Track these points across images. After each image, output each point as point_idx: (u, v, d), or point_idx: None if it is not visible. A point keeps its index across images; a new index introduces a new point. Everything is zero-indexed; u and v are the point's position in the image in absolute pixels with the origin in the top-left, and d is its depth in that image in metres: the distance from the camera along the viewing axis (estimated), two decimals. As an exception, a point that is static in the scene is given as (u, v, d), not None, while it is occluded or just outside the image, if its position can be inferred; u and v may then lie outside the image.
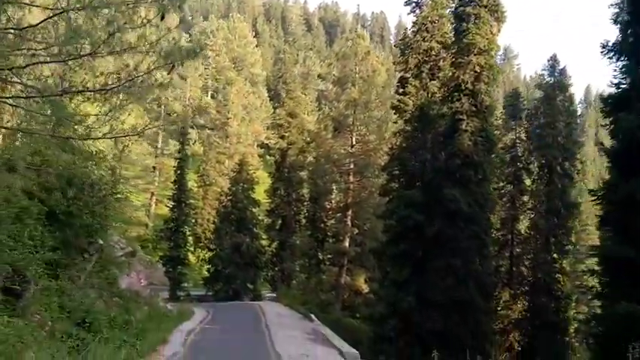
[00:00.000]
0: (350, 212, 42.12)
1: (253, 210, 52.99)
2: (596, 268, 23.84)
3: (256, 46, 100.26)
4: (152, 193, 72.72)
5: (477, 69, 29.03)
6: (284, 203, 52.50)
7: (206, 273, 54.34)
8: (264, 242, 54.29)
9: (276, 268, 52.10)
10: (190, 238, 68.75)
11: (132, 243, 32.66)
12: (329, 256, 50.38)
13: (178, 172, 49.84)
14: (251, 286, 51.73)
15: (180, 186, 49.43)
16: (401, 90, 33.28)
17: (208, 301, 48.51)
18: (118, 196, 23.82)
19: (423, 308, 26.75)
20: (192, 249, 67.58)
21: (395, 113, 33.69)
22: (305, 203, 53.92)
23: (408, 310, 26.81)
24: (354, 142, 42.18)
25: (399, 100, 32.55)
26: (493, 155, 31.24)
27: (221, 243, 51.69)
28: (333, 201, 50.00)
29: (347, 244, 41.68)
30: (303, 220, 53.98)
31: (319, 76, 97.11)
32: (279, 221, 53.25)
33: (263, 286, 56.67)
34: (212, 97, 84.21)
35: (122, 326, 20.20)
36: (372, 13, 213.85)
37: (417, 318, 26.77)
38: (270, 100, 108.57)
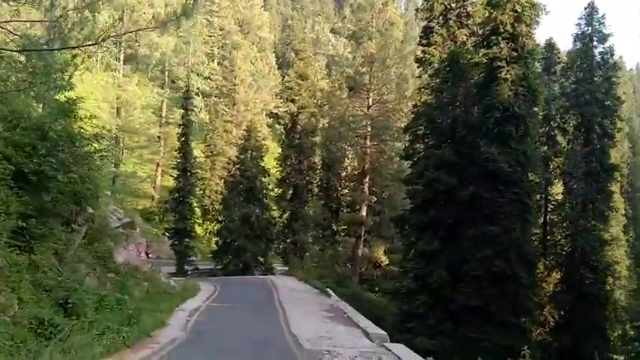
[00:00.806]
0: (367, 179, 38.99)
1: (263, 179, 49.97)
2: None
3: (262, 7, 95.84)
4: (157, 164, 69.72)
5: (518, 8, 25.45)
6: (295, 171, 49.42)
7: (214, 246, 51.67)
8: (274, 213, 51.42)
9: (288, 240, 49.22)
10: (198, 210, 66.39)
11: (131, 213, 29.79)
12: (344, 226, 47.51)
13: (182, 138, 46.73)
14: (261, 259, 49.05)
15: (184, 154, 46.38)
16: (425, 41, 29.91)
17: (217, 276, 45.97)
18: (103, 154, 20.55)
19: (456, 281, 23.74)
20: (199, 221, 65.11)
21: (418, 67, 30.36)
22: (317, 171, 50.82)
23: (439, 284, 23.82)
24: (370, 103, 38.81)
25: (423, 52, 29.14)
26: (536, 108, 27.69)
27: (230, 214, 48.87)
28: (348, 167, 46.87)
29: (364, 213, 38.65)
30: (316, 190, 50.99)
31: (332, 30, 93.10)
32: (291, 191, 50.24)
33: (274, 259, 53.99)
34: (218, 63, 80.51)
35: (114, 307, 17.38)
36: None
37: (448, 292, 23.83)
38: (278, 68, 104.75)
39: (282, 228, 50.21)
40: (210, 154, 71.34)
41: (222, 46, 79.25)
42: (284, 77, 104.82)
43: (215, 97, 74.70)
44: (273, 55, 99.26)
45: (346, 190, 46.59)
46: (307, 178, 50.46)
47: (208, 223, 66.34)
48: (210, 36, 79.77)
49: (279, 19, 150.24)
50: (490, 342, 22.32)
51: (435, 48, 28.17)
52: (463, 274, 23.91)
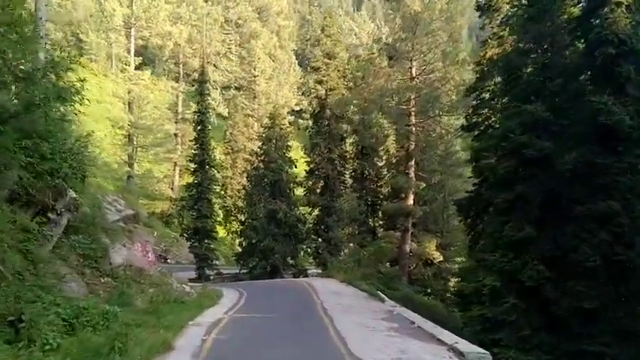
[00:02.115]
0: (413, 162, 33.36)
1: (289, 171, 44.65)
2: None
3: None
4: (175, 164, 64.92)
5: None
6: (325, 162, 43.91)
7: (238, 248, 46.46)
8: (303, 209, 45.97)
9: (320, 239, 43.68)
10: (220, 211, 61.49)
11: (134, 204, 24.47)
12: (384, 220, 42.05)
13: (199, 127, 41.57)
14: (291, 260, 43.69)
15: (202, 145, 41.22)
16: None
17: (242, 280, 40.82)
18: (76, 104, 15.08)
19: (559, 277, 18.03)
20: (221, 222, 60.09)
21: (480, 16, 24.69)
22: (350, 160, 45.36)
23: (535, 282, 18.12)
24: (414, 73, 33.17)
25: (487, -4, 23.48)
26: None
27: (254, 212, 43.63)
28: (389, 151, 41.28)
29: (411, 201, 33.01)
30: (350, 181, 45.49)
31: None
32: (321, 183, 44.78)
33: (304, 260, 48.66)
34: (236, 54, 75.51)
35: (99, 324, 12.08)
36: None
37: (548, 292, 18.12)
38: (299, 65, 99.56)
39: (312, 225, 44.76)
40: (230, 151, 66.42)
41: (239, 35, 74.25)
42: (304, 75, 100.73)
43: (234, 89, 69.72)
44: (294, 47, 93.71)
45: (386, 179, 41.11)
46: (339, 168, 44.97)
47: (231, 225, 61.34)
48: (227, 21, 74.61)
49: (297, 17, 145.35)
50: (609, 357, 16.70)
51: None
52: (568, 267, 18.18)
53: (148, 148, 59.71)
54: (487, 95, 24.22)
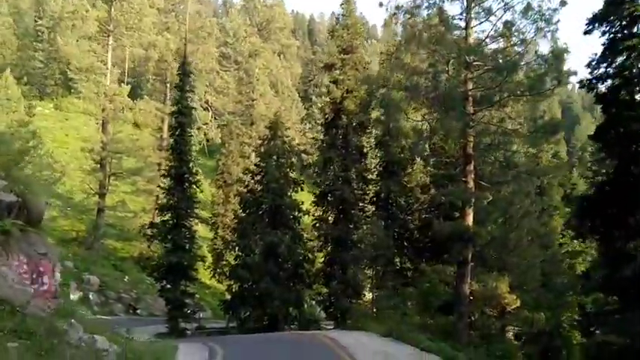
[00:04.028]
0: (472, 167, 23.42)
1: (294, 195, 34.76)
2: None
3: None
4: (157, 197, 54.73)
5: None
6: (340, 182, 34.02)
7: (227, 294, 35.96)
8: (312, 244, 35.77)
9: (333, 281, 33.22)
10: (209, 254, 51.31)
11: (23, 182, 14.28)
12: (411, 258, 32.06)
13: (177, 132, 31.81)
14: (295, 310, 33.23)
15: (179, 154, 31.36)
16: None
17: (231, 336, 30.49)
18: None
19: None
20: (209, 266, 49.59)
21: None
22: (372, 181, 35.63)
23: None
24: (472, 42, 23.74)
25: None
26: None
27: (248, 246, 33.41)
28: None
29: (470, 221, 22.89)
30: (370, 207, 35.53)
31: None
32: (334, 209, 34.74)
33: (311, 310, 38.16)
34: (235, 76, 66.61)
35: None
36: None
37: None
38: (302, 101, 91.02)
39: (323, 264, 34.49)
40: (223, 183, 56.42)
41: (237, 54, 65.63)
42: (307, 109, 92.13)
43: (229, 113, 60.43)
44: (299, 70, 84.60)
45: (421, 200, 31.24)
46: (358, 190, 35.10)
47: (221, 270, 50.75)
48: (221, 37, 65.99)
49: (299, 63, 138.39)
50: None
51: None
52: None
53: (123, 175, 49.87)
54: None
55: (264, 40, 62.58)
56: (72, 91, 67.58)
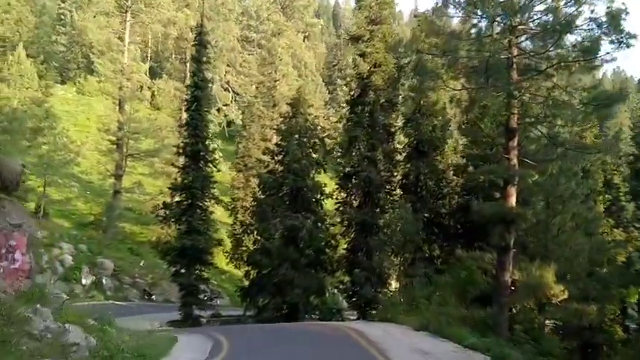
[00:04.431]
0: (515, 141, 20.91)
1: (317, 176, 32.60)
2: None
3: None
4: (175, 179, 52.97)
5: None
6: (366, 163, 31.70)
7: (245, 281, 34.04)
8: (335, 229, 33.57)
9: (357, 269, 30.95)
10: (228, 240, 49.56)
11: None
12: (442, 244, 29.76)
13: (193, 106, 29.72)
14: (316, 299, 31.14)
15: (195, 129, 29.30)
16: None
17: (245, 326, 28.64)
18: None
19: None
20: (228, 253, 47.67)
21: None
22: (401, 162, 33.26)
23: None
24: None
25: None
26: None
27: (267, 229, 31.31)
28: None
29: (513, 201, 20.44)
30: (398, 190, 33.18)
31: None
32: (359, 192, 32.46)
33: (333, 299, 36.10)
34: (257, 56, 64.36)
35: None
36: None
37: None
38: (326, 86, 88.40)
39: (347, 250, 32.28)
40: (243, 167, 54.44)
41: (257, 31, 63.35)
42: (331, 98, 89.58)
43: (250, 95, 58.31)
44: (324, 49, 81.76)
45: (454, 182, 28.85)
46: (386, 172, 32.77)
47: (239, 256, 48.87)
48: (242, 14, 63.60)
49: (323, 44, 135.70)
50: None
51: None
52: None
53: (140, 157, 48.18)
54: None
55: (288, 19, 60.22)
56: (94, 74, 66.31)
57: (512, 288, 20.66)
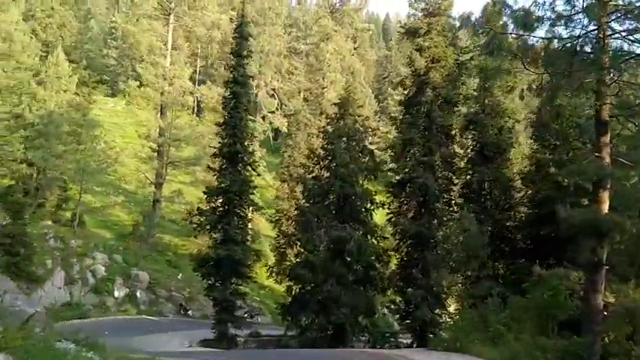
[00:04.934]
0: (607, 137, 17.37)
1: (366, 183, 29.51)
2: None
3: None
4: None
5: None
6: (422, 169, 28.41)
7: (287, 297, 30.94)
8: (385, 244, 30.28)
9: (412, 287, 27.55)
10: (271, 253, 46.92)
11: None
12: (509, 260, 26.13)
13: (231, 103, 27.05)
14: (364, 319, 27.91)
15: (233, 129, 26.63)
16: None
17: (288, 348, 25.66)
18: None
19: None
20: (270, 267, 44.76)
21: None
22: (463, 167, 29.84)
23: None
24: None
25: None
26: None
27: (310, 240, 28.29)
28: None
29: (606, 207, 16.84)
30: (458, 200, 29.73)
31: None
32: (414, 201, 29.17)
33: (381, 320, 32.82)
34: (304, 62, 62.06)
35: None
36: None
37: None
38: (375, 98, 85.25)
39: (400, 265, 28.98)
40: (288, 177, 51.76)
41: (306, 43, 60.95)
42: (381, 108, 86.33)
43: (296, 102, 55.85)
44: (375, 56, 78.53)
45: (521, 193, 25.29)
46: (445, 177, 29.44)
47: (279, 269, 46.00)
48: (290, 26, 61.48)
49: (372, 53, 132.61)
50: None
51: None
52: None
53: (181, 165, 46.09)
54: None
55: (337, 24, 57.73)
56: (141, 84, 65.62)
57: (604, 311, 17.00)
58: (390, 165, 31.43)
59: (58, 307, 30.81)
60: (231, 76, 27.34)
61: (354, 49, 62.45)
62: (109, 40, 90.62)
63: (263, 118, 51.32)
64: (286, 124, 52.86)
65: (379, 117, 76.67)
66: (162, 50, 45.85)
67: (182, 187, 46.50)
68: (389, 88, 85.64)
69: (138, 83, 45.84)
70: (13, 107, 38.42)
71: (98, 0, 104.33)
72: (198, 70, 56.27)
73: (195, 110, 57.93)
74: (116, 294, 34.36)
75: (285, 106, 56.16)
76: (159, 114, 45.67)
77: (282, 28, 57.57)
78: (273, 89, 53.38)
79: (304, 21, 71.55)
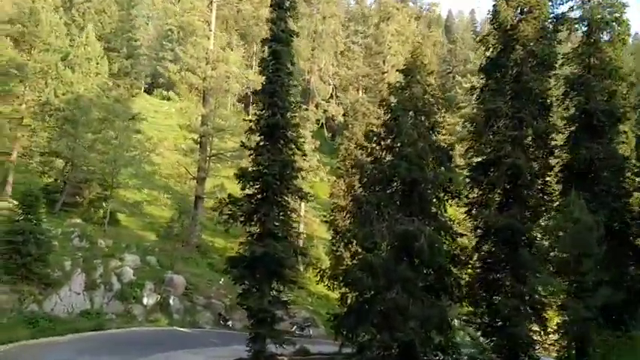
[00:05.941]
0: None
1: (438, 164, 23.63)
2: None
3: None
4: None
5: None
6: (511, 147, 22.35)
7: (341, 307, 25.29)
8: (463, 241, 24.41)
9: (499, 296, 21.53)
10: (325, 256, 42.09)
11: None
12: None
13: (271, 67, 21.81)
14: (437, 335, 22.04)
15: (272, 95, 21.43)
16: None
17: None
18: None
19: None
20: (323, 271, 39.46)
21: None
22: (560, 144, 23.66)
23: None
24: None
25: None
26: None
27: (368, 236, 22.61)
28: None
29: None
30: (554, 185, 23.51)
31: None
32: (501, 188, 23.14)
33: (461, 337, 26.84)
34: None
35: None
36: None
37: None
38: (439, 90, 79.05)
39: (482, 268, 23.02)
40: (344, 172, 46.34)
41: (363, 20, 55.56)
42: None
43: (354, 89, 50.54)
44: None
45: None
46: (539, 160, 23.28)
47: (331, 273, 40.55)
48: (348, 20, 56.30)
49: (438, 34, 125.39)
50: None
51: None
52: None
53: (225, 157, 41.51)
54: None
55: (399, 1, 52.19)
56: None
57: None
58: (467, 145, 25.35)
59: (75, 315, 26.52)
60: (271, 31, 22.12)
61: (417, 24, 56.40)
62: (164, 43, 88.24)
63: (316, 106, 46.25)
64: (342, 112, 47.58)
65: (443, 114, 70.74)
66: (206, 31, 41.48)
67: (225, 181, 41.97)
68: (453, 83, 79.54)
69: (178, 67, 41.54)
70: (39, 93, 34.87)
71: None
72: (248, 55, 51.78)
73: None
74: (145, 301, 29.84)
75: (341, 94, 50.91)
76: (201, 101, 41.31)
77: (337, 6, 52.40)
78: (328, 75, 48.28)
79: (362, 14, 66.51)
